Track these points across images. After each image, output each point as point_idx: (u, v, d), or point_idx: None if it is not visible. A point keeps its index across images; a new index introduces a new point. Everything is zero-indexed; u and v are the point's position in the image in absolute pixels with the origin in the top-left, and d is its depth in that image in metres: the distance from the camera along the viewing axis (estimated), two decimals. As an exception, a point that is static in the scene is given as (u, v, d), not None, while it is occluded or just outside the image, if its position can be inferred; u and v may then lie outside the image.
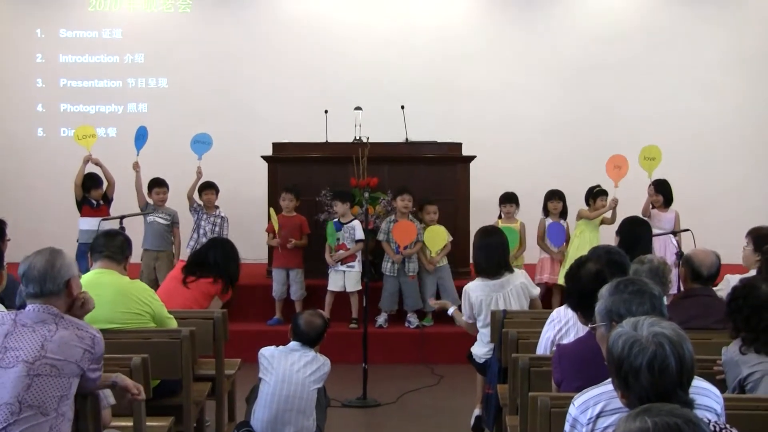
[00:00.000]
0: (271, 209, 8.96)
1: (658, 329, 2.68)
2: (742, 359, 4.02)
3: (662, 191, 8.95)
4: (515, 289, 5.92)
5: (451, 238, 8.86)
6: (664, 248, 8.63)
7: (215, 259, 6.19)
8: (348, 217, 8.72)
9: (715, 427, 2.70)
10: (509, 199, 9.21)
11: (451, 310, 6.32)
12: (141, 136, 9.22)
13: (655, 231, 8.79)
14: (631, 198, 9.06)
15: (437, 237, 8.61)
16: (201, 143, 9.28)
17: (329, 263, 8.71)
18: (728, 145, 11.67)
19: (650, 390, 2.61)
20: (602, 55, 11.74)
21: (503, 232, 6.29)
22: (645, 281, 3.36)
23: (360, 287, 8.58)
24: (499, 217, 9.23)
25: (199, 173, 9.25)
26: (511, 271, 6.03)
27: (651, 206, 9.02)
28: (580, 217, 9.05)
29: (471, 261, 9.19)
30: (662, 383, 2.61)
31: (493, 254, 5.96)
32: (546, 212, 9.24)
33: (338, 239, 8.68)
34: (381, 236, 8.73)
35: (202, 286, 6.06)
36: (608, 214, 8.98)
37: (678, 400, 2.56)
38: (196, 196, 9.27)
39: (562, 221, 9.19)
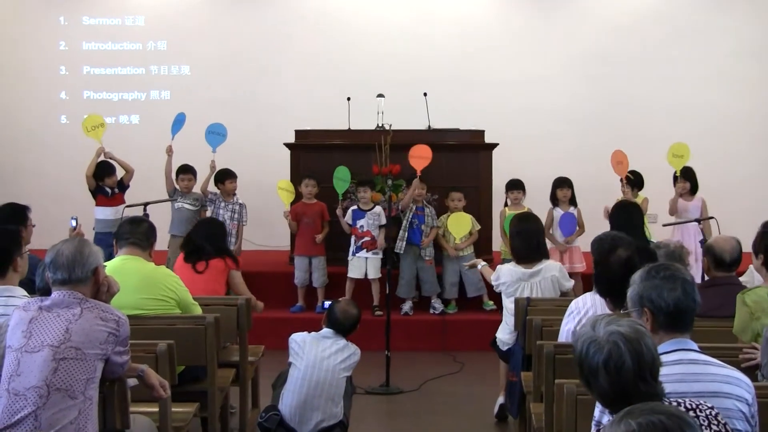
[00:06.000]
0: (282, 182, 8.88)
1: (614, 327, 2.68)
2: None
3: (689, 178, 8.81)
4: (545, 282, 5.91)
5: (478, 227, 8.84)
6: (691, 236, 8.52)
7: (209, 241, 6.17)
8: (369, 204, 8.72)
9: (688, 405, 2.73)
10: (516, 186, 8.95)
11: (480, 266, 6.47)
12: (179, 122, 9.08)
13: (678, 219, 8.73)
14: (657, 193, 9.02)
15: (461, 224, 8.57)
16: (215, 134, 9.12)
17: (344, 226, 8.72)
18: (748, 134, 11.58)
19: (609, 388, 2.63)
20: (621, 45, 11.65)
21: (538, 218, 6.36)
22: (678, 266, 3.28)
23: (380, 275, 8.60)
24: (506, 204, 9.05)
25: (213, 167, 9.11)
26: (548, 257, 6.07)
27: (678, 196, 8.85)
28: None
29: (494, 249, 9.29)
30: (620, 381, 2.62)
31: (530, 239, 6.00)
32: (554, 201, 9.01)
33: (362, 226, 8.67)
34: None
35: (214, 267, 6.07)
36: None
37: (641, 394, 2.57)
38: (211, 187, 9.19)
39: (572, 209, 8.93)
